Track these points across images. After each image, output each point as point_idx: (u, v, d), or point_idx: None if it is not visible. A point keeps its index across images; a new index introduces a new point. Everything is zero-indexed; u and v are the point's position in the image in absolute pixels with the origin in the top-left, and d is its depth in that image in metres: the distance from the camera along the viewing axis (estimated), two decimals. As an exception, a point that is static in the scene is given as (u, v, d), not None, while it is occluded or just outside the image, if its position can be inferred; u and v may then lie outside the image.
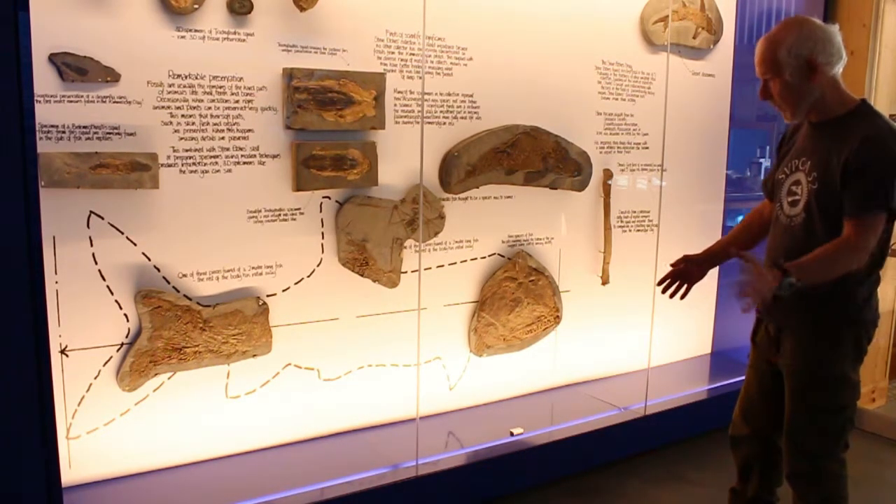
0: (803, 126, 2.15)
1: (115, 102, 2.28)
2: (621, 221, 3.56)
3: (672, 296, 2.27)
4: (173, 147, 2.39)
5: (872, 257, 1.98)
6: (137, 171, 2.28)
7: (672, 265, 2.31)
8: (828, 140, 2.01)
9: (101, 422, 2.40)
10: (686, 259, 2.30)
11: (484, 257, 3.16)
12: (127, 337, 2.40)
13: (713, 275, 3.98)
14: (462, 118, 2.97)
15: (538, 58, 3.13)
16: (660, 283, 2.31)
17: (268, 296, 2.63)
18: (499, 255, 3.19)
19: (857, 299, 2.02)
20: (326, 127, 2.60)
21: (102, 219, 2.31)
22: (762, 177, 4.30)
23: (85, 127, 2.24)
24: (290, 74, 2.50)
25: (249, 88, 2.49)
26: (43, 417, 1.87)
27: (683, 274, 2.28)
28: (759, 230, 2.33)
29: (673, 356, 3.90)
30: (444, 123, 2.93)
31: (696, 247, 3.61)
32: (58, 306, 2.26)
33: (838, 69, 2.01)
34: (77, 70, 2.19)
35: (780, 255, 2.11)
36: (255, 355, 2.62)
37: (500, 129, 3.03)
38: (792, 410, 2.14)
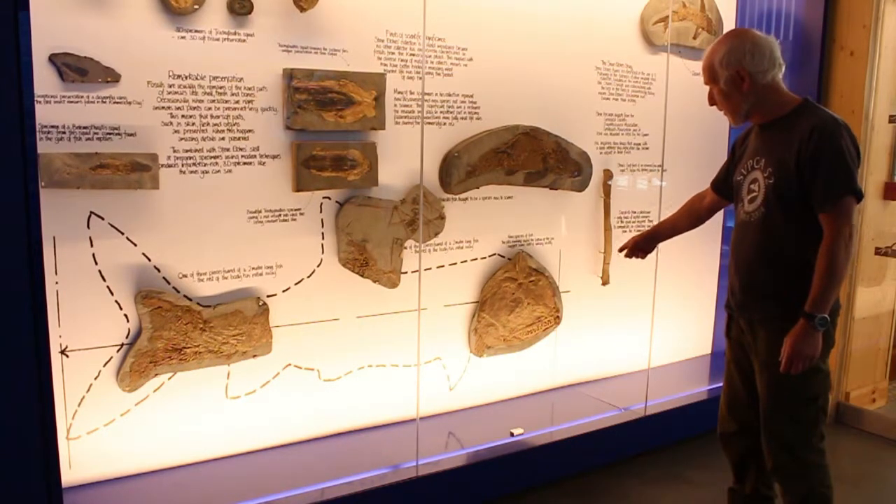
0: (754, 129, 2.28)
1: (115, 103, 2.28)
2: (621, 222, 3.56)
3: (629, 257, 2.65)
4: (173, 147, 2.39)
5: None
6: (137, 171, 2.28)
7: (624, 247, 2.64)
8: (777, 137, 2.14)
9: (101, 422, 2.40)
10: (634, 240, 2.62)
11: (484, 258, 3.15)
12: (127, 337, 2.40)
13: (713, 275, 4.00)
14: (462, 118, 2.97)
15: (538, 58, 3.13)
16: (620, 250, 2.66)
17: (268, 296, 2.63)
18: (499, 255, 3.19)
19: None
20: (326, 127, 2.60)
21: (103, 219, 2.32)
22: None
23: (85, 127, 2.24)
24: (290, 75, 2.50)
25: (249, 89, 2.49)
26: (43, 417, 1.87)
27: (636, 251, 2.62)
28: (698, 214, 2.58)
29: (673, 356, 3.90)
30: (444, 124, 2.93)
31: (696, 247, 3.60)
32: (58, 306, 2.26)
33: (774, 76, 2.14)
34: (77, 70, 2.20)
35: (744, 251, 2.22)
36: (255, 356, 2.62)
37: (500, 129, 3.03)
38: (766, 403, 2.20)
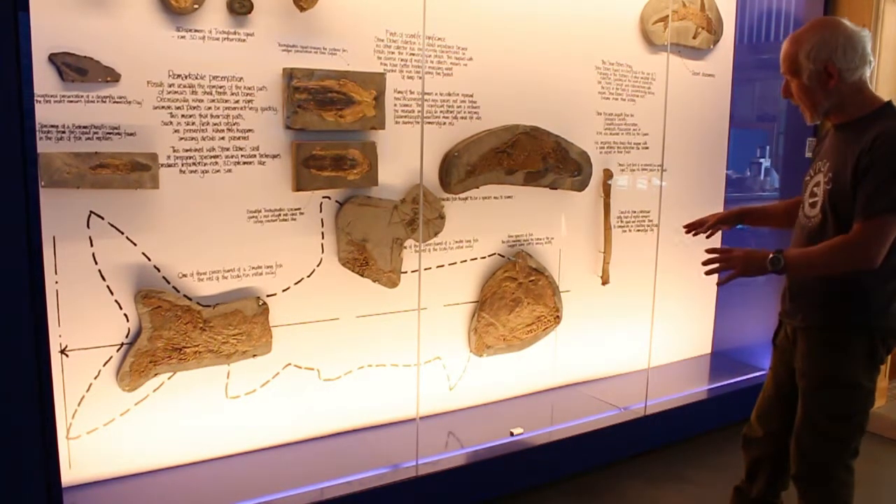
0: (831, 130, 2.13)
1: (115, 102, 2.28)
2: (621, 221, 3.56)
3: (694, 234, 2.43)
4: (173, 147, 2.39)
5: (890, 263, 1.92)
6: (137, 171, 2.28)
7: (702, 222, 2.41)
8: (847, 141, 2.00)
9: (101, 422, 2.40)
10: (717, 217, 2.40)
11: (484, 257, 3.15)
12: (127, 337, 2.40)
13: (713, 275, 3.99)
14: (462, 118, 2.97)
15: (538, 58, 3.13)
16: (691, 227, 2.42)
17: (268, 296, 2.63)
18: (499, 255, 3.19)
19: (872, 307, 1.99)
20: (326, 127, 2.60)
21: (102, 219, 2.32)
22: (762, 177, 4.32)
23: (85, 127, 2.24)
24: (290, 74, 2.50)
25: (249, 88, 2.49)
26: (43, 417, 1.87)
27: (715, 227, 2.38)
28: (792, 216, 2.30)
29: (673, 356, 3.90)
30: (444, 123, 2.93)
31: (696, 247, 3.61)
32: (58, 306, 2.26)
33: (863, 74, 1.99)
34: (77, 70, 2.19)
35: None
36: (255, 355, 2.62)
37: (500, 129, 3.03)
38: (801, 412, 2.13)
